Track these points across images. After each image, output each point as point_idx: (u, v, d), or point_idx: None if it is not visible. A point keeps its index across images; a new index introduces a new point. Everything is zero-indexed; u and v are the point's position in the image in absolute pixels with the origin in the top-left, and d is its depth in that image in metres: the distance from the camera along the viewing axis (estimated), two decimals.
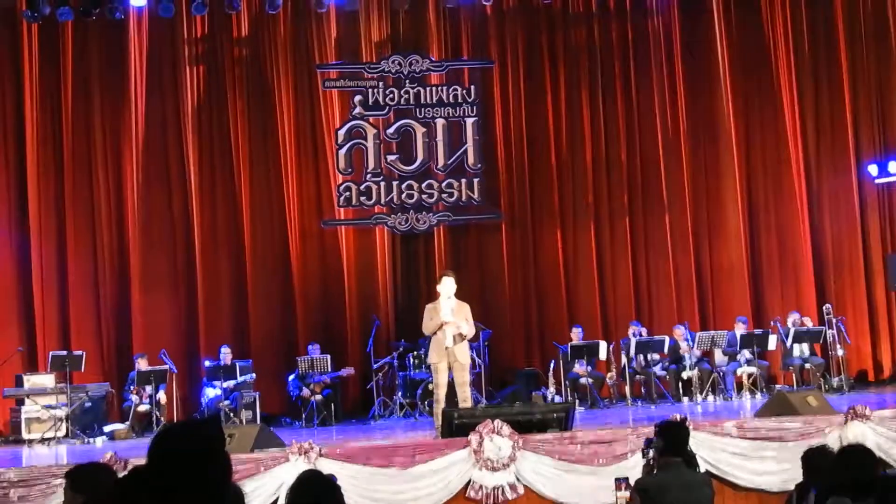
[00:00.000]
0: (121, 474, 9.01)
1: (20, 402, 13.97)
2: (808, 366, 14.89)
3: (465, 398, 10.87)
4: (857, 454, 5.71)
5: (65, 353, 14.19)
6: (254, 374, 14.82)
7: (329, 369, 14.71)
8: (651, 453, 6.62)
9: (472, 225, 16.54)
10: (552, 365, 14.99)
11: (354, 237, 16.27)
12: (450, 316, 10.83)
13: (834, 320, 15.14)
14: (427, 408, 13.48)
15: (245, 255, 15.82)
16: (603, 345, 14.93)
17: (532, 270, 16.50)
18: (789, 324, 15.18)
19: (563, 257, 16.51)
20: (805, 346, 15.00)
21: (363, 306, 15.89)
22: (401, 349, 14.65)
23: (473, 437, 9.63)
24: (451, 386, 11.07)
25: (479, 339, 14.80)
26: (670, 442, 6.48)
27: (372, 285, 16.03)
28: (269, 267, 15.96)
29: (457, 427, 10.11)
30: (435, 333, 10.94)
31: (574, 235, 16.59)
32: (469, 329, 10.94)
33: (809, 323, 15.34)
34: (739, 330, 15.09)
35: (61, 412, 13.56)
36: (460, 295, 14.62)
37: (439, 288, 11.12)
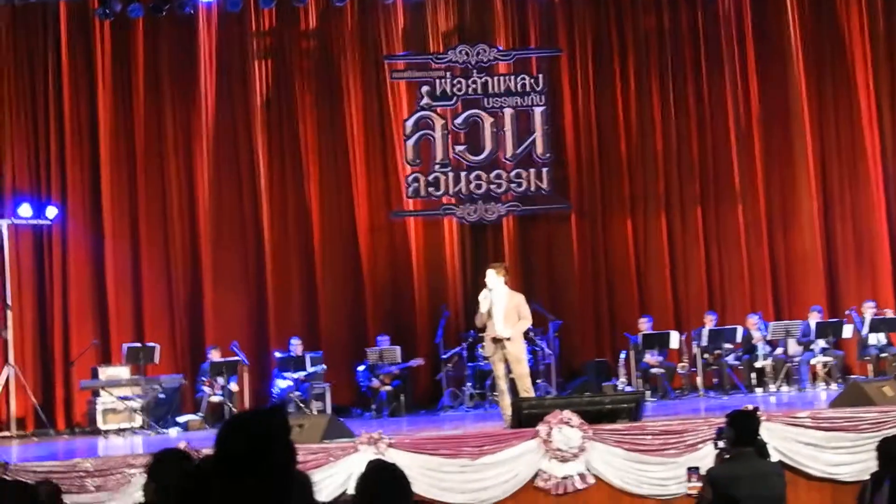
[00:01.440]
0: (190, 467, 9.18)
1: (96, 394, 14.22)
2: (884, 355, 14.65)
3: (526, 389, 10.83)
4: None
5: (139, 345, 14.42)
6: (324, 366, 14.96)
7: (399, 360, 14.79)
8: (722, 443, 6.60)
9: (540, 215, 16.52)
10: (623, 355, 14.98)
11: (423, 228, 16.33)
12: (485, 307, 10.81)
13: None
14: (497, 398, 13.53)
15: (314, 247, 15.95)
16: (675, 335, 14.85)
17: (602, 261, 16.41)
18: (865, 313, 14.92)
19: (633, 247, 16.41)
20: (881, 336, 14.75)
21: (432, 297, 15.94)
22: (470, 339, 14.56)
23: (542, 428, 9.64)
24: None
25: (549, 329, 14.85)
26: (741, 432, 6.44)
27: (441, 276, 16.10)
28: (338, 259, 16.06)
29: (526, 417, 10.08)
30: (485, 326, 10.95)
31: (644, 225, 16.47)
32: (520, 324, 10.89)
33: (888, 312, 15.07)
34: (814, 319, 14.82)
35: (136, 403, 13.78)
36: (529, 285, 15.03)
37: (487, 278, 11.14)
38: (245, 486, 2.53)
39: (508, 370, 10.87)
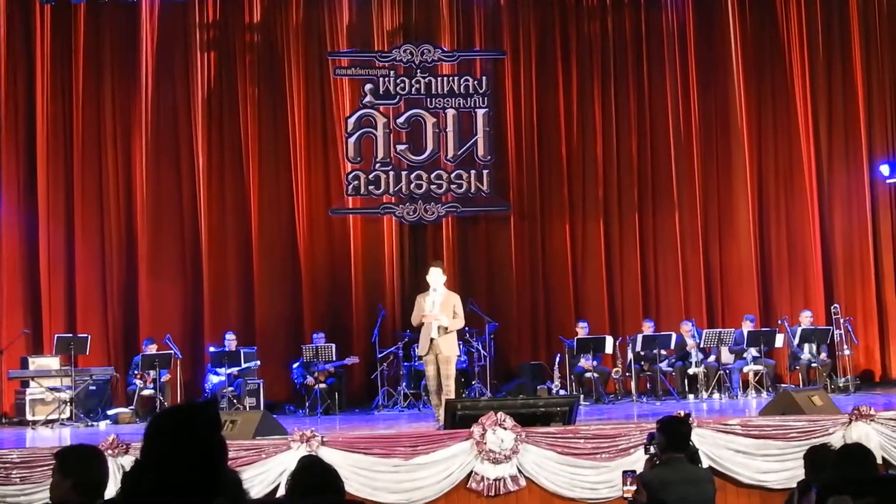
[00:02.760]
0: (122, 458, 9.10)
1: (25, 384, 14.00)
2: (814, 365, 14.90)
3: (449, 391, 10.83)
4: (857, 453, 5.73)
5: (70, 335, 14.23)
6: (258, 362, 14.94)
7: (334, 358, 14.66)
8: (653, 449, 6.64)
9: (480, 217, 16.52)
10: (558, 359, 14.99)
11: (362, 226, 16.27)
12: (430, 309, 10.84)
13: (842, 320, 15.10)
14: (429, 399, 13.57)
15: (252, 241, 15.85)
16: (609, 340, 14.90)
17: (540, 264, 16.43)
18: (803, 321, 15.10)
19: (571, 251, 16.49)
20: (812, 346, 14.97)
21: (369, 296, 15.92)
22: (406, 339, 14.55)
23: (476, 429, 9.64)
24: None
25: (486, 331, 14.90)
26: (672, 438, 6.52)
27: (379, 275, 16.06)
28: (276, 254, 15.98)
29: (460, 418, 10.13)
30: (422, 325, 10.94)
31: (583, 229, 16.56)
32: (455, 321, 10.92)
33: (815, 322, 15.32)
34: (747, 328, 15.02)
35: (66, 395, 13.59)
36: (467, 287, 15.04)
37: (428, 279, 11.11)
38: (174, 482, 2.47)
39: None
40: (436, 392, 10.94)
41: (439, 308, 10.86)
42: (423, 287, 11.35)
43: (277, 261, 15.98)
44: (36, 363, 14.14)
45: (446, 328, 10.82)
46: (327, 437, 9.76)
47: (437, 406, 10.83)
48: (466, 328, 14.41)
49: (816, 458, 6.36)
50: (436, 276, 11.04)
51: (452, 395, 10.81)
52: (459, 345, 14.04)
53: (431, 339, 10.79)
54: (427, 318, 10.79)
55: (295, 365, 14.96)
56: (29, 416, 13.66)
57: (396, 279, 15.93)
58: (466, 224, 16.52)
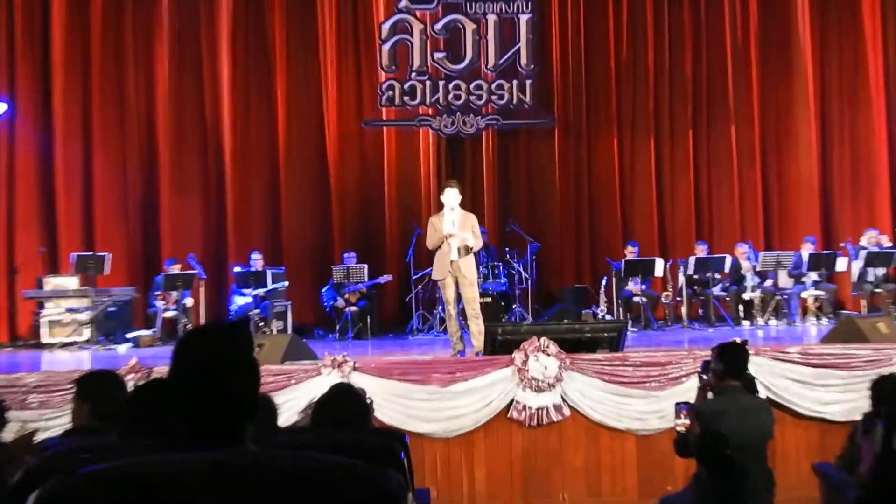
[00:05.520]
0: (142, 383, 9.09)
1: (41, 305, 14.01)
2: (879, 290, 14.60)
3: (476, 315, 10.57)
4: None
5: (89, 254, 14.23)
6: (286, 282, 14.79)
7: (366, 278, 14.55)
8: (708, 377, 6.54)
9: (522, 130, 16.22)
10: (604, 282, 14.81)
11: (396, 140, 16.13)
12: (452, 228, 10.59)
13: None
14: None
15: (279, 156, 15.76)
16: (659, 262, 14.56)
17: (585, 181, 16.25)
18: (864, 242, 14.82)
19: (619, 168, 16.25)
20: (878, 270, 14.66)
21: (403, 214, 15.79)
22: None
23: (518, 355, 9.50)
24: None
25: (527, 252, 14.77)
26: (730, 365, 6.41)
27: (414, 191, 15.94)
28: (304, 169, 15.85)
29: (500, 344, 9.98)
30: (439, 247, 10.67)
31: (632, 145, 16.29)
32: (476, 241, 10.67)
33: (884, 240, 15.01)
34: (807, 250, 14.66)
35: (84, 316, 13.60)
36: (506, 205, 15.09)
37: (443, 198, 10.80)
38: (204, 407, 2.43)
39: (459, 296, 10.64)
40: (454, 316, 10.70)
41: (458, 229, 10.65)
42: (461, 204, 11.16)
43: (306, 176, 15.85)
44: (52, 283, 14.13)
45: (469, 248, 10.60)
46: (359, 362, 9.62)
47: (455, 334, 10.68)
48: (506, 249, 14.60)
49: (884, 389, 6.28)
50: (452, 196, 10.73)
51: (480, 320, 10.55)
52: (499, 266, 14.11)
53: (451, 262, 10.57)
54: (453, 238, 10.54)
55: (325, 288, 14.83)
56: (46, 339, 13.69)
57: (433, 196, 15.44)
58: (507, 138, 16.28)
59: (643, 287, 14.70)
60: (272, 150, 15.78)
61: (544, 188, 16.20)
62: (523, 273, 14.66)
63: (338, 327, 14.43)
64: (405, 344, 13.55)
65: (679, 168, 16.34)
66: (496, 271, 14.50)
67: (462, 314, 10.80)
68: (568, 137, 16.23)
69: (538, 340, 9.57)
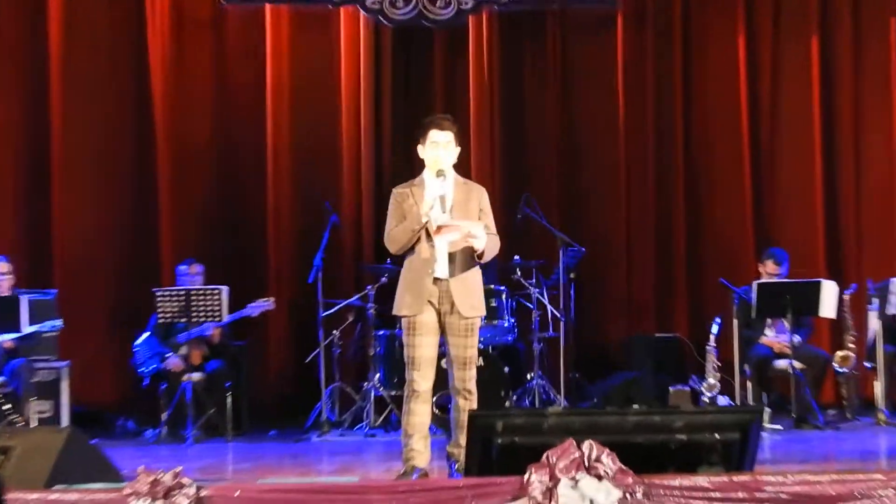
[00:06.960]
0: None
1: None
2: None
3: (469, 392, 6.86)
4: None
5: None
6: (59, 322, 10.49)
7: (224, 313, 10.14)
8: None
9: (551, 14, 11.00)
10: (715, 329, 10.17)
11: (291, 32, 11.12)
12: (442, 213, 6.75)
13: None
14: (436, 409, 9.03)
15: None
16: (829, 288, 9.88)
17: (680, 123, 11.04)
18: None
19: (746, 99, 10.95)
20: None
21: (305, 185, 11.07)
22: (385, 279, 9.84)
23: (536, 478, 6.21)
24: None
25: (559, 263, 10.13)
26: None
27: (328, 141, 11.05)
28: (93, 98, 10.92)
29: (500, 452, 6.49)
30: (411, 250, 6.83)
31: (774, 51, 11.08)
32: (490, 240, 6.73)
33: None
34: None
35: None
36: (517, 166, 11.10)
37: (421, 151, 6.68)
38: None
39: (442, 350, 6.95)
40: (428, 400, 6.99)
41: (456, 211, 6.73)
42: (419, 168, 6.80)
43: (98, 115, 10.99)
44: None
45: (480, 253, 6.62)
46: (210, 489, 6.37)
47: (418, 434, 6.74)
48: (516, 256, 10.29)
49: None
50: (443, 150, 6.68)
51: (474, 403, 7.08)
52: (502, 293, 10.31)
53: (436, 280, 6.72)
54: (440, 231, 6.53)
55: (140, 336, 10.20)
56: None
57: (366, 147, 10.79)
58: (519, 30, 11.19)
59: (797, 339, 10.25)
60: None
61: (591, 134, 11.17)
62: (550, 307, 10.27)
63: (165, 415, 10.25)
64: (306, 450, 9.58)
65: (873, 106, 11.02)
66: (493, 303, 10.19)
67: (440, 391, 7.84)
68: (643, 31, 11.10)
69: (579, 448, 6.23)
